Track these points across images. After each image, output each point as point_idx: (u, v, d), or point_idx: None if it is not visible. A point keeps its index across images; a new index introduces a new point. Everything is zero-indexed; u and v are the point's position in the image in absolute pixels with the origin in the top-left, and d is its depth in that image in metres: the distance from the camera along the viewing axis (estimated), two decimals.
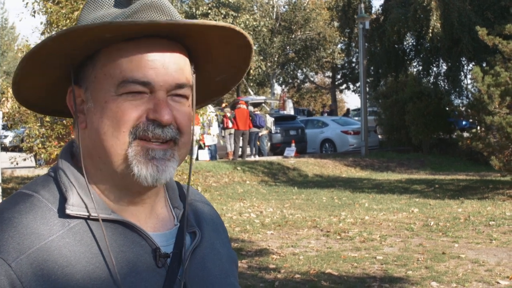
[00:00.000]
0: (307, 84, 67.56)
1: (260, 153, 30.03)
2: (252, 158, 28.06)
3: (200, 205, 1.80)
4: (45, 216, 1.48)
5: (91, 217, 1.50)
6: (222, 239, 1.80)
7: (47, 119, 13.57)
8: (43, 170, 15.43)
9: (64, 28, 13.17)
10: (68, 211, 1.48)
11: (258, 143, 29.80)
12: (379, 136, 37.75)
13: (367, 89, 37.29)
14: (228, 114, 27.54)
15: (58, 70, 1.54)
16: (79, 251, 1.46)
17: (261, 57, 48.79)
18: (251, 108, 29.66)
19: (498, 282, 8.85)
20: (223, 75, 1.71)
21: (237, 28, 1.53)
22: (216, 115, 24.70)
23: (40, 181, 1.57)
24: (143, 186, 1.50)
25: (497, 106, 17.87)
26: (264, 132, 29.85)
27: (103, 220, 1.50)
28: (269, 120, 30.38)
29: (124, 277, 1.47)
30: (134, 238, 1.53)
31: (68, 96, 1.58)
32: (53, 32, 11.90)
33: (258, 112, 29.86)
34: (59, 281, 1.41)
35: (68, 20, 13.14)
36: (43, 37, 14.54)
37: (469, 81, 37.03)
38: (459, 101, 36.44)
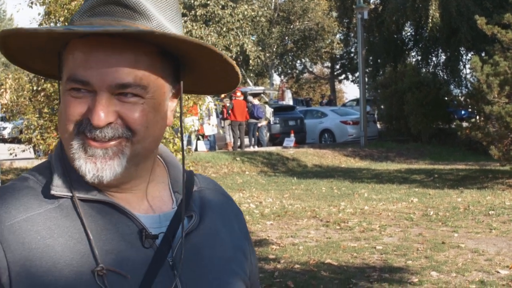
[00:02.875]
0: (306, 75, 67.58)
1: (259, 143, 30.02)
2: (251, 149, 28.07)
3: (210, 193, 1.79)
4: (36, 194, 1.52)
5: (78, 197, 1.53)
6: (232, 227, 1.78)
7: (46, 110, 13.55)
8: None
9: (61, 18, 13.16)
10: (52, 192, 1.51)
11: (257, 134, 29.81)
12: (378, 126, 37.75)
13: (366, 79, 37.25)
14: (228, 105, 27.52)
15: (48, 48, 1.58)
16: (63, 225, 1.49)
17: (260, 48, 48.72)
18: (250, 98, 29.63)
19: (498, 272, 8.86)
20: (203, 88, 1.77)
21: (211, 46, 1.53)
22: (215, 105, 24.67)
23: (40, 165, 1.63)
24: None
25: (496, 95, 17.86)
26: (263, 122, 29.83)
27: (90, 201, 1.53)
28: (268, 111, 30.34)
29: (105, 254, 1.48)
30: (120, 219, 1.54)
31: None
32: (51, 25, 11.84)
33: (258, 103, 29.80)
34: (38, 249, 1.44)
35: (66, 11, 13.11)
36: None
37: (468, 71, 37.05)
38: (458, 90, 36.46)
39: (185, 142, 20.79)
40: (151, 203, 1.63)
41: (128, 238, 1.53)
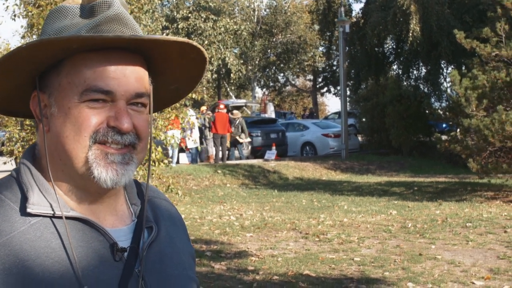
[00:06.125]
0: (288, 87, 67.71)
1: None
2: (234, 162, 28.10)
3: (157, 201, 1.88)
4: (7, 214, 1.55)
5: (53, 215, 1.58)
6: (180, 233, 1.88)
7: (27, 122, 13.59)
8: None
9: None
10: (29, 210, 1.56)
11: (235, 148, 29.85)
12: (359, 139, 37.91)
13: (348, 92, 37.43)
14: (209, 117, 27.53)
15: (22, 77, 1.61)
16: (39, 246, 1.53)
17: (242, 61, 48.84)
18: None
19: (473, 283, 8.97)
20: (176, 85, 1.81)
21: (194, 43, 1.63)
22: (197, 118, 24.72)
23: (3, 181, 1.65)
24: (102, 188, 1.59)
25: (474, 109, 18.02)
26: (246, 140, 29.81)
27: (62, 218, 1.58)
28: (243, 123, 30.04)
29: (82, 270, 1.54)
30: (92, 234, 1.61)
31: (32, 100, 1.66)
32: (34, 39, 11.87)
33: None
34: (20, 274, 1.49)
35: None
36: (23, 41, 14.57)
37: (448, 84, 37.29)
38: (439, 104, 36.70)
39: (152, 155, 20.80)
40: (117, 216, 1.71)
41: (101, 253, 1.60)
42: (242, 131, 29.34)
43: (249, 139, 30.32)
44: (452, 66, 34.11)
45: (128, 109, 1.60)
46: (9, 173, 1.72)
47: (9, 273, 1.48)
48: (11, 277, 1.48)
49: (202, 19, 45.22)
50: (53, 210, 1.58)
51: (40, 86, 1.63)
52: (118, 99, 1.58)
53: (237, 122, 28.91)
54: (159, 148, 15.60)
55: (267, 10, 54.65)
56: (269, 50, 53.74)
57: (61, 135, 1.58)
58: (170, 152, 23.73)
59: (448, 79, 36.45)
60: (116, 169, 1.58)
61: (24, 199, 1.58)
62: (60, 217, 1.58)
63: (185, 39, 1.61)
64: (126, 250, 1.64)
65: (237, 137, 29.13)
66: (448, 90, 33.33)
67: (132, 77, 1.60)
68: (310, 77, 63.14)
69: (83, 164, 1.57)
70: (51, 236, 1.56)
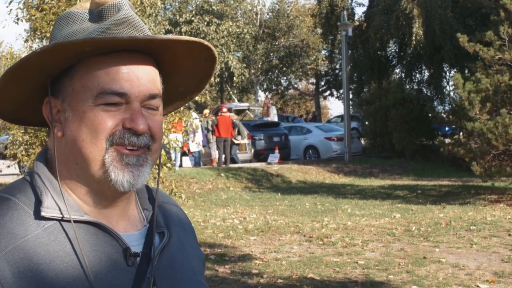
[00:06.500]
0: (291, 91, 67.69)
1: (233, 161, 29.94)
2: (237, 165, 28.09)
3: (168, 207, 1.90)
4: (21, 218, 1.55)
5: (64, 218, 1.58)
6: (190, 238, 1.90)
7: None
8: None
9: (47, 34, 13.22)
10: (43, 213, 1.56)
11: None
12: (362, 142, 37.91)
13: (351, 95, 37.40)
14: (213, 120, 27.53)
15: (33, 83, 1.62)
16: (53, 250, 1.54)
17: (244, 64, 48.82)
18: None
19: (477, 286, 8.96)
20: (185, 86, 1.82)
21: (206, 42, 1.64)
22: (200, 121, 24.74)
23: (16, 184, 1.66)
24: (118, 191, 1.60)
25: (477, 112, 18.01)
26: (241, 141, 29.81)
27: (76, 221, 1.58)
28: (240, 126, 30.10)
29: (95, 275, 1.55)
30: (105, 239, 1.61)
31: (45, 106, 1.66)
32: (37, 42, 11.83)
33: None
34: (34, 278, 1.49)
35: (52, 27, 13.16)
36: (27, 44, 14.57)
37: (451, 88, 37.23)
38: (442, 107, 36.63)
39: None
40: (128, 220, 1.72)
41: (114, 258, 1.61)
42: (239, 133, 29.38)
43: (246, 140, 30.30)
44: (455, 70, 34.02)
45: (142, 110, 1.61)
46: (22, 176, 1.72)
47: (23, 277, 1.49)
48: (25, 280, 1.49)
49: (205, 23, 45.21)
50: (67, 213, 1.58)
51: (52, 91, 1.63)
52: (132, 101, 1.59)
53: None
54: (162, 151, 15.61)
55: (270, 13, 54.68)
56: (271, 54, 53.76)
57: (77, 139, 1.58)
58: (172, 155, 23.72)
59: (451, 83, 36.39)
60: (131, 171, 1.59)
61: (38, 203, 1.59)
62: (74, 221, 1.58)
63: (198, 39, 1.62)
64: (139, 255, 1.65)
65: (233, 139, 29.13)
66: (451, 93, 33.36)
67: (145, 78, 1.61)
68: (313, 80, 63.16)
69: (99, 168, 1.58)
70: (65, 240, 1.57)
